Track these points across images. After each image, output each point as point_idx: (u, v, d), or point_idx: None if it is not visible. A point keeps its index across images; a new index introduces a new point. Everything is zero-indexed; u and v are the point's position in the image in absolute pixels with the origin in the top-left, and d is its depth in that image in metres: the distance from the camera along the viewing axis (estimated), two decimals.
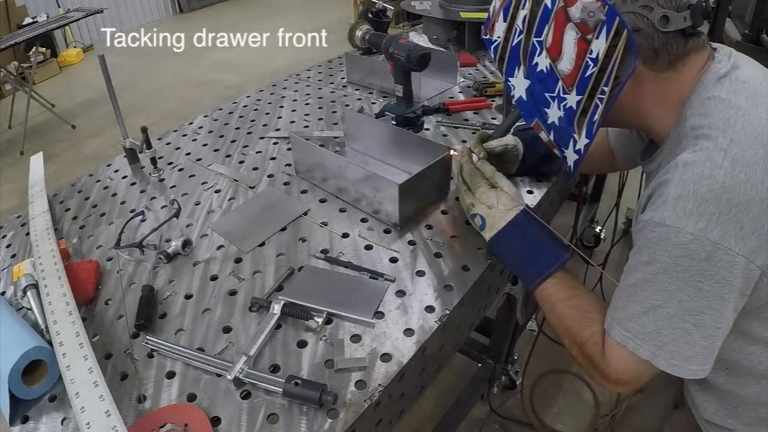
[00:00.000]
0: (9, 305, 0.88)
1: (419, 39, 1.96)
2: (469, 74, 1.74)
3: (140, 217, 1.12)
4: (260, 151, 1.36)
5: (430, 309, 0.86)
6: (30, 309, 0.88)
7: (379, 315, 0.85)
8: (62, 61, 5.83)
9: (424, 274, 0.93)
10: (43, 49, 5.29)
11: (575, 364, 2.11)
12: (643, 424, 1.15)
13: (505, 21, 0.81)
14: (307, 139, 1.23)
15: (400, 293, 0.89)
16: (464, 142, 1.34)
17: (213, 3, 8.17)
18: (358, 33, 1.76)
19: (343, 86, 1.74)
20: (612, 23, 0.66)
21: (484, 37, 0.89)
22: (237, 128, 1.50)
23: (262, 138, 1.43)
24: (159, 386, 0.76)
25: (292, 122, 1.51)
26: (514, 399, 1.89)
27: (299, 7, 7.59)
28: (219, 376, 0.76)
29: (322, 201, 1.14)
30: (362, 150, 1.30)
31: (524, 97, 0.81)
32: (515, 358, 1.90)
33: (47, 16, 5.20)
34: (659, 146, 0.78)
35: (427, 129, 1.41)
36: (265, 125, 1.50)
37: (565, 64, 0.72)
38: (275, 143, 1.40)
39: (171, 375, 0.78)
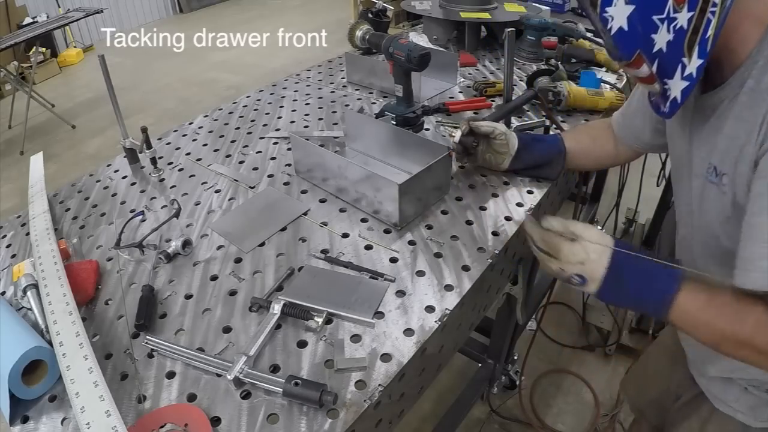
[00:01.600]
0: (9, 305, 0.88)
1: (419, 39, 1.96)
2: (469, 74, 1.74)
3: (140, 217, 1.12)
4: (260, 151, 1.36)
5: (430, 309, 0.86)
6: (30, 309, 0.88)
7: (379, 315, 0.85)
8: (62, 61, 5.83)
9: (424, 274, 0.93)
10: (43, 49, 5.29)
11: (575, 364, 2.12)
12: (653, 371, 1.26)
13: None
14: (307, 139, 1.23)
15: (400, 293, 0.89)
16: None
17: (213, 3, 8.17)
18: (358, 33, 1.77)
19: (343, 86, 1.74)
20: None
21: None
22: (237, 128, 1.50)
23: (262, 138, 1.43)
24: (159, 386, 0.76)
25: (292, 122, 1.51)
26: (514, 399, 1.90)
27: (299, 7, 7.60)
28: (219, 376, 0.76)
29: (322, 201, 1.14)
30: (362, 150, 1.30)
31: (625, 27, 0.73)
32: (515, 358, 1.90)
33: (47, 16, 5.20)
34: (730, 71, 0.75)
35: (427, 129, 1.41)
36: (265, 125, 1.50)
37: None
38: (275, 143, 1.40)
39: (171, 375, 0.78)
